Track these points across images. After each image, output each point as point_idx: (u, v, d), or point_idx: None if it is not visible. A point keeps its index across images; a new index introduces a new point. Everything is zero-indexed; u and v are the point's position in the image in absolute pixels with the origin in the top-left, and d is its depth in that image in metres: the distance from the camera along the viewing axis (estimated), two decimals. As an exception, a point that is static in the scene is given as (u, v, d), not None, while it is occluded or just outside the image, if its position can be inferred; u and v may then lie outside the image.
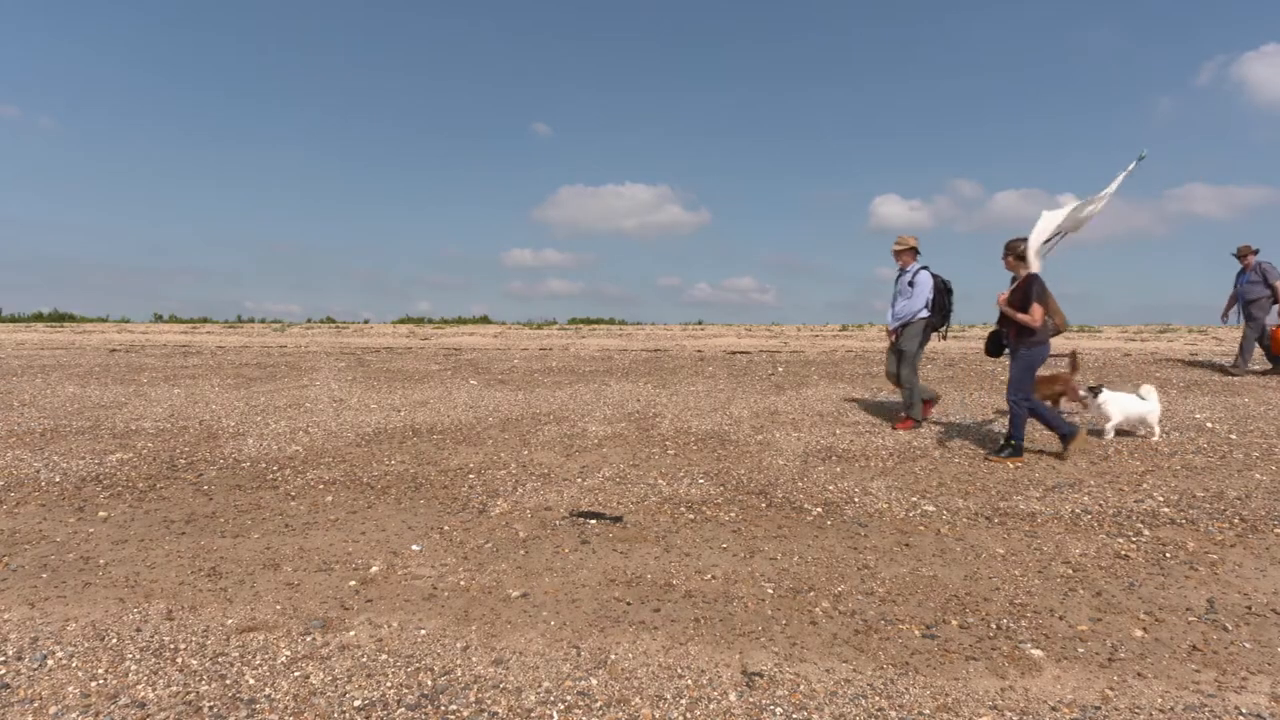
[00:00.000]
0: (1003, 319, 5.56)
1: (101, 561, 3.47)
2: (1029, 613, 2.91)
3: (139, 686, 2.36)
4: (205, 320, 26.30)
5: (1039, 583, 3.20)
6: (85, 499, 4.49)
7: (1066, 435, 5.50)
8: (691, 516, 4.13)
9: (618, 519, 4.07)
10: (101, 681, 2.40)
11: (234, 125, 52.74)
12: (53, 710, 2.23)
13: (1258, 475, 4.92)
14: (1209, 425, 6.59)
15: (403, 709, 2.24)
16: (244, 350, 15.22)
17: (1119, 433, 6.12)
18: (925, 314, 6.45)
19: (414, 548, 3.64)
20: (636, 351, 14.44)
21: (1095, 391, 5.77)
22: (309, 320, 27.77)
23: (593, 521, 4.03)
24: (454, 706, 2.25)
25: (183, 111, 52.03)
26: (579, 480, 4.89)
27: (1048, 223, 5.43)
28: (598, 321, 25.46)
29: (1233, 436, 6.11)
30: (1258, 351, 9.90)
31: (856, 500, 4.42)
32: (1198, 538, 3.76)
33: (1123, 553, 3.55)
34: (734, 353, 13.90)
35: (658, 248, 52.65)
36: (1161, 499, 4.42)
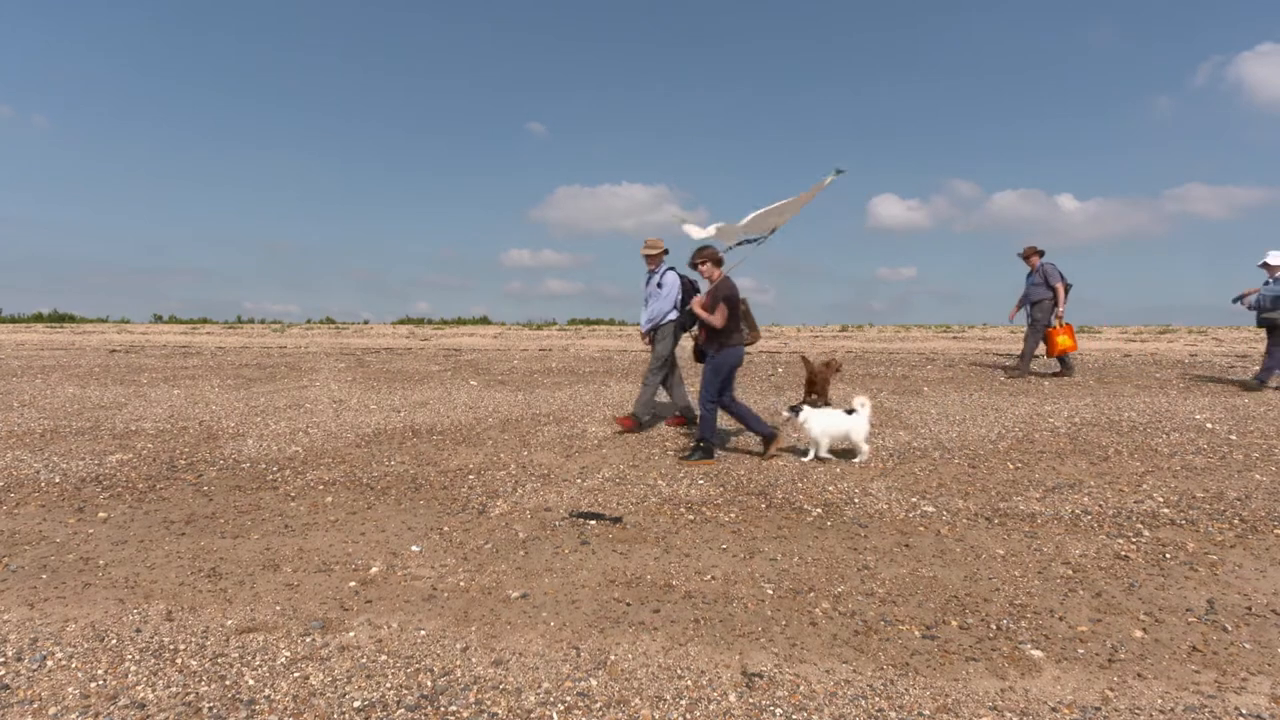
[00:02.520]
0: (700, 324, 5.51)
1: (101, 562, 3.47)
2: (1029, 613, 2.91)
3: (138, 687, 2.36)
4: (205, 321, 26.31)
5: (1039, 583, 3.20)
6: (85, 500, 4.49)
7: (767, 437, 5.49)
8: (691, 517, 4.13)
9: (617, 520, 4.07)
10: (101, 682, 2.40)
11: (233, 125, 52.77)
12: (52, 711, 2.23)
13: (1257, 476, 4.92)
14: (1209, 426, 6.59)
15: (402, 710, 2.24)
16: (244, 351, 15.22)
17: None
18: (674, 315, 6.43)
19: (414, 548, 3.64)
20: (636, 352, 14.43)
21: (796, 410, 5.45)
22: (309, 321, 27.77)
23: (592, 522, 4.03)
24: (454, 707, 2.25)
25: (182, 111, 52.06)
26: (579, 481, 4.89)
27: (732, 228, 5.57)
28: (597, 322, 25.46)
29: (1232, 437, 6.11)
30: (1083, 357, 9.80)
31: (856, 501, 4.42)
32: (1197, 538, 3.76)
33: (1123, 553, 3.55)
34: (734, 353, 13.89)
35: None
36: (1161, 500, 4.42)
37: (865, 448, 5.38)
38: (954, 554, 3.55)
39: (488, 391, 9.14)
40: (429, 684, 2.38)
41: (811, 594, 3.10)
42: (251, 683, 2.39)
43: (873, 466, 5.27)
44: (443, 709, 2.24)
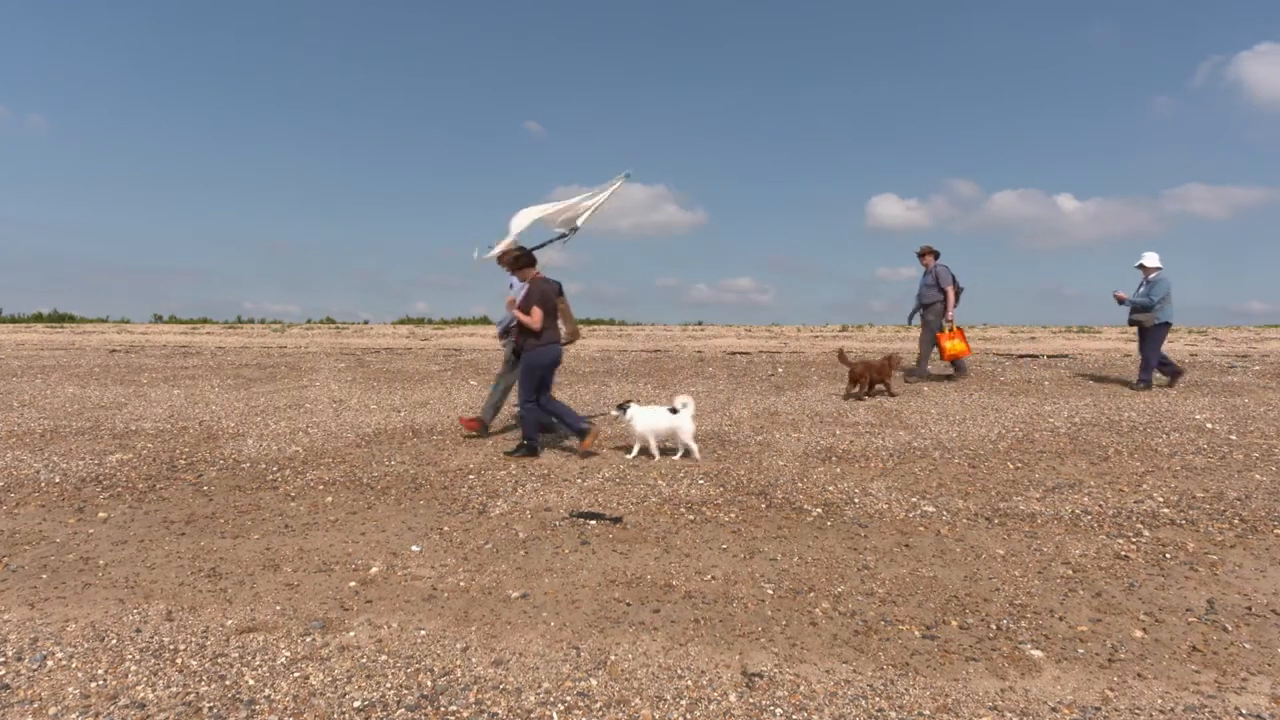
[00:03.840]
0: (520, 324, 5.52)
1: (101, 562, 3.47)
2: (1029, 613, 2.91)
3: (139, 687, 2.36)
4: (205, 321, 26.32)
5: (1039, 583, 3.20)
6: (85, 499, 4.49)
7: (581, 432, 5.50)
8: (691, 517, 4.12)
9: (617, 520, 4.07)
10: (101, 682, 2.40)
11: (233, 125, 52.79)
12: (52, 711, 2.23)
13: (1258, 476, 4.92)
14: (1209, 426, 6.59)
15: (402, 710, 2.24)
16: (244, 351, 15.22)
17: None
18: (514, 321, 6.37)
19: (414, 548, 3.64)
20: (636, 352, 14.44)
21: (623, 409, 5.46)
22: (309, 321, 27.77)
23: (593, 522, 4.03)
24: (454, 707, 2.25)
25: (182, 111, 52.09)
26: (579, 481, 4.89)
27: (524, 219, 5.70)
28: (597, 322, 25.46)
29: (1232, 437, 6.11)
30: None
31: (856, 501, 4.42)
32: (1198, 538, 3.76)
33: (1123, 553, 3.55)
34: (734, 353, 13.90)
35: (655, 248, 52.69)
36: (1161, 500, 4.42)
37: (694, 446, 5.43)
38: (954, 554, 3.55)
39: (488, 391, 9.14)
40: (429, 684, 2.38)
41: (811, 594, 3.10)
42: (251, 683, 2.39)
43: (873, 466, 5.27)
44: (443, 709, 2.24)
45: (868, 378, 8.48)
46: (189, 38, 50.69)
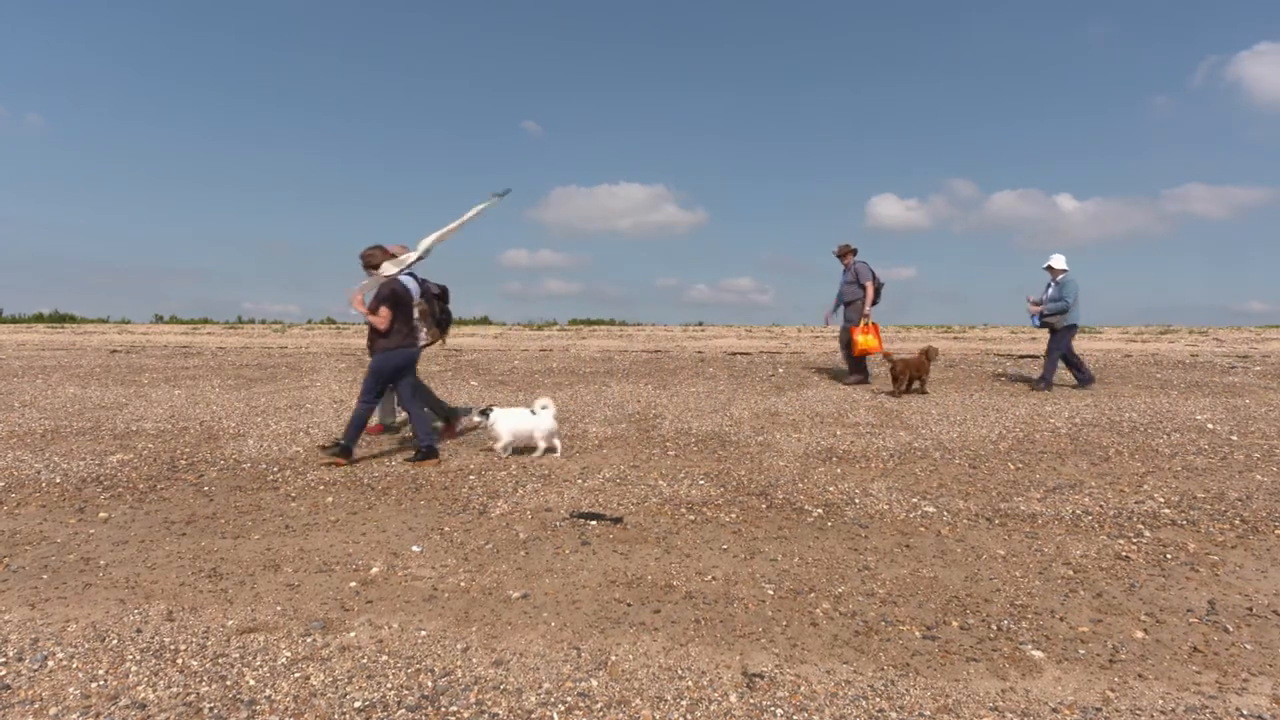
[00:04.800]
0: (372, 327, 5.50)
1: (102, 562, 3.47)
2: (1030, 614, 2.90)
3: (139, 687, 2.36)
4: (206, 321, 26.33)
5: (1040, 584, 3.20)
6: (86, 500, 4.49)
7: (425, 450, 5.41)
8: (692, 518, 4.12)
9: (618, 520, 4.07)
10: (102, 682, 2.40)
11: (233, 125, 52.83)
12: (53, 711, 2.23)
13: (1259, 476, 4.91)
14: (1210, 426, 6.59)
15: (403, 710, 2.24)
16: (244, 351, 15.23)
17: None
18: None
19: (414, 549, 3.64)
20: (637, 352, 14.44)
21: (486, 413, 5.56)
22: (309, 321, 27.77)
23: (593, 523, 4.03)
24: (454, 708, 2.25)
25: (182, 111, 52.13)
26: (579, 481, 4.89)
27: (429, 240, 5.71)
28: (598, 322, 25.46)
29: (1233, 438, 6.11)
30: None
31: (857, 501, 4.42)
32: (1198, 539, 3.76)
33: (1123, 554, 3.55)
34: (734, 354, 13.90)
35: (655, 248, 52.71)
36: (1162, 500, 4.41)
37: (556, 444, 5.58)
38: (955, 554, 3.55)
39: (489, 392, 9.14)
40: (430, 684, 2.38)
41: (812, 594, 3.10)
42: (252, 683, 2.39)
43: (874, 467, 5.27)
44: (443, 709, 2.24)
45: (908, 374, 8.54)
46: (188, 37, 50.74)
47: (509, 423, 5.53)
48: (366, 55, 54.86)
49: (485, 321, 26.38)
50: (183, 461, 5.48)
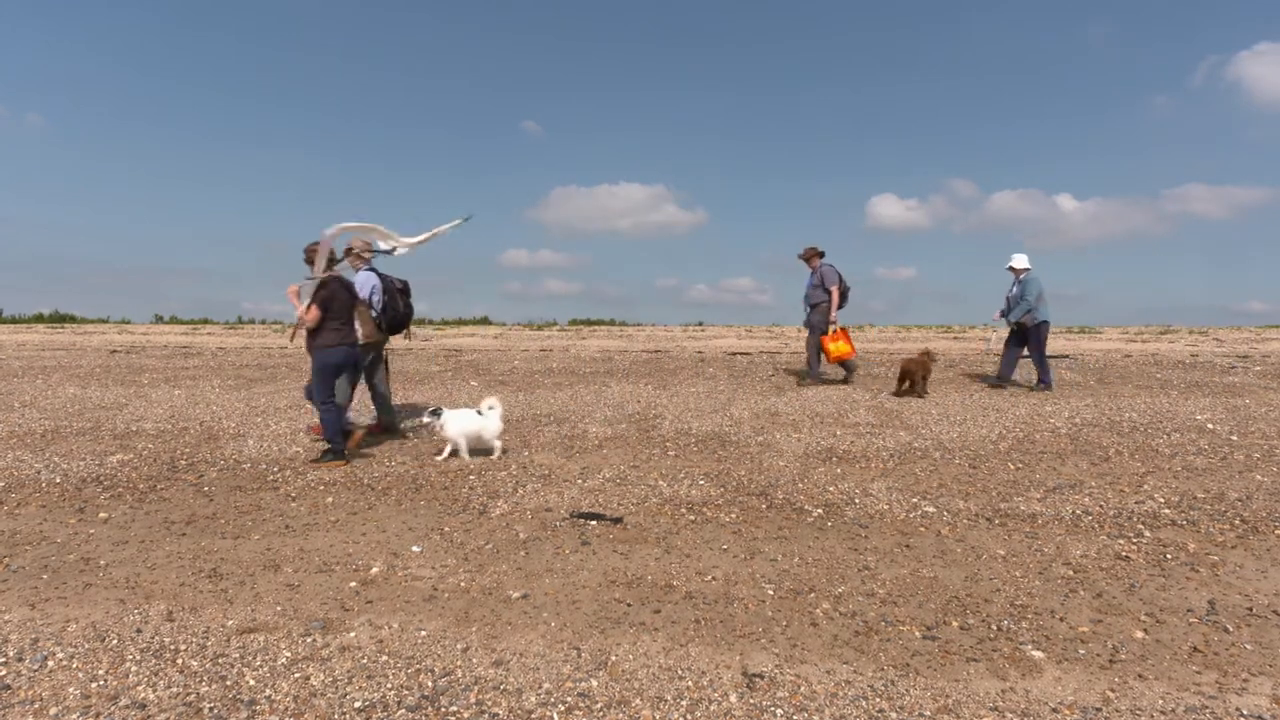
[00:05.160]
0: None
1: (102, 563, 3.47)
2: (1030, 614, 2.90)
3: (139, 688, 2.36)
4: (206, 321, 26.33)
5: (1040, 584, 3.20)
6: (86, 500, 4.49)
7: (332, 451, 5.37)
8: (692, 518, 4.12)
9: (618, 520, 4.07)
10: (102, 682, 2.40)
11: (233, 125, 52.86)
12: (53, 711, 2.23)
13: (1259, 476, 4.91)
14: (1210, 426, 6.59)
15: (403, 710, 2.24)
16: (244, 351, 15.23)
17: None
18: (373, 314, 6.24)
19: (414, 549, 3.64)
20: (637, 353, 14.44)
21: (436, 414, 5.53)
22: (309, 321, 27.67)
23: (593, 523, 4.03)
24: (454, 708, 2.25)
25: (182, 111, 52.17)
26: (579, 481, 4.89)
27: (365, 232, 5.69)
28: (598, 323, 25.47)
29: (1233, 438, 6.11)
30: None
31: (857, 501, 4.42)
32: (1198, 539, 3.76)
33: (1123, 554, 3.55)
34: (734, 354, 13.90)
35: (654, 248, 52.74)
36: (1162, 500, 4.41)
37: (498, 445, 5.59)
38: (955, 554, 3.55)
39: (488, 392, 9.14)
40: (430, 684, 2.38)
41: (812, 594, 3.10)
42: (252, 683, 2.39)
43: (874, 467, 5.27)
44: (443, 709, 2.24)
45: (918, 374, 8.60)
46: (188, 37, 50.78)
47: (458, 423, 5.53)
48: (366, 55, 54.92)
49: (485, 321, 26.39)
50: (183, 462, 5.48)
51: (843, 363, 9.42)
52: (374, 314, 6.22)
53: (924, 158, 52.02)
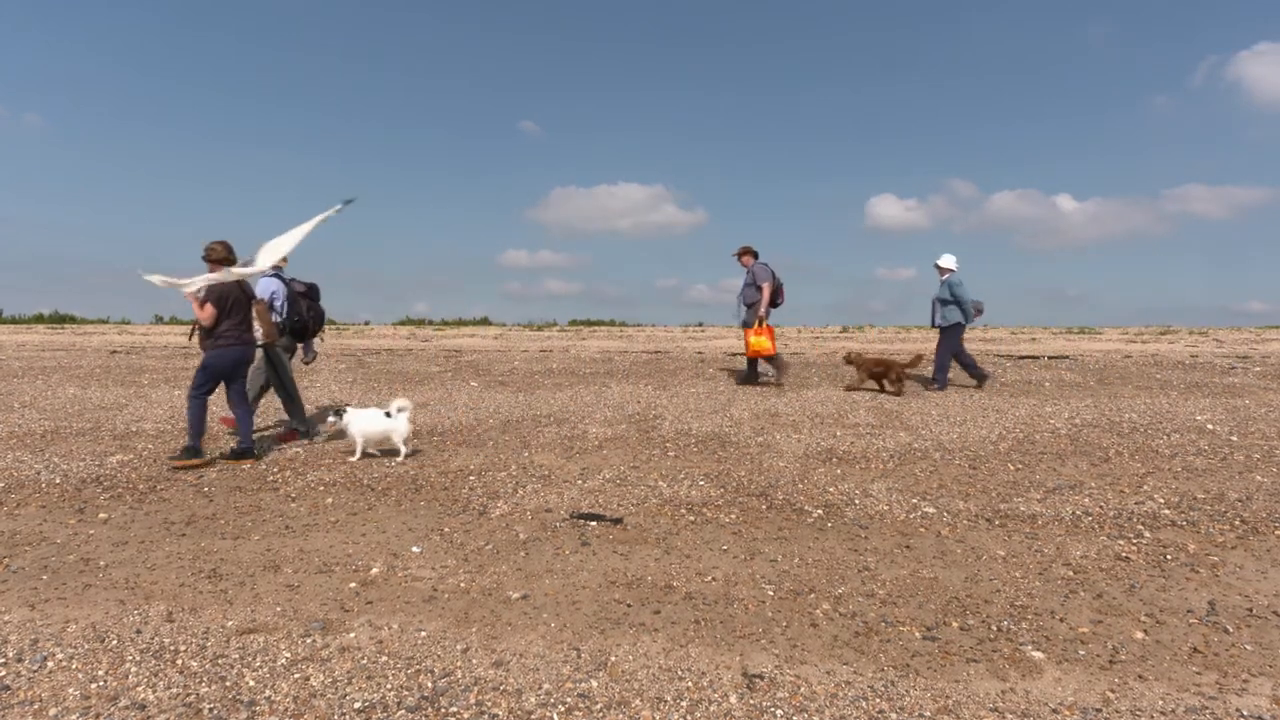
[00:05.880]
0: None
1: (102, 563, 3.47)
2: (1030, 614, 2.90)
3: (139, 688, 2.36)
4: (206, 322, 26.27)
5: (1040, 585, 3.20)
6: (86, 500, 4.49)
7: (188, 449, 5.34)
8: (692, 518, 4.12)
9: (618, 521, 4.07)
10: (101, 683, 2.39)
11: (233, 125, 52.89)
12: (52, 712, 2.23)
13: (1259, 477, 4.91)
14: (1209, 427, 6.59)
15: (403, 711, 2.24)
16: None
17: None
18: (276, 319, 6.23)
19: (414, 549, 3.64)
20: (637, 353, 14.44)
21: (339, 413, 5.55)
22: (309, 322, 27.64)
23: (593, 523, 4.03)
24: (454, 708, 2.25)
25: (180, 111, 52.23)
26: (579, 482, 4.89)
27: (281, 242, 5.59)
28: (598, 323, 25.49)
29: (1233, 438, 6.11)
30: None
31: (857, 502, 4.42)
32: (1198, 540, 3.76)
33: (1123, 555, 3.55)
34: (735, 354, 13.90)
35: (654, 248, 52.82)
36: (1162, 501, 4.41)
37: (404, 448, 5.56)
38: (955, 555, 3.55)
39: (488, 392, 9.14)
40: (429, 685, 2.38)
41: (812, 595, 3.10)
42: (252, 684, 2.39)
43: (874, 468, 5.27)
44: (443, 710, 2.24)
45: (876, 373, 8.83)
46: (188, 38, 50.85)
47: (362, 424, 5.52)
48: (366, 55, 55.00)
49: (485, 322, 26.40)
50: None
51: (770, 360, 9.39)
52: (277, 319, 6.21)
53: (923, 158, 52.12)
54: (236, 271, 5.39)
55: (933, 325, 9.26)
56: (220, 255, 5.47)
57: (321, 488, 4.78)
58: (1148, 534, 3.84)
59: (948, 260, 9.09)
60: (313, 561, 3.48)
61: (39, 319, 27.15)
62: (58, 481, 4.92)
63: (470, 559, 3.51)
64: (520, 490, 4.70)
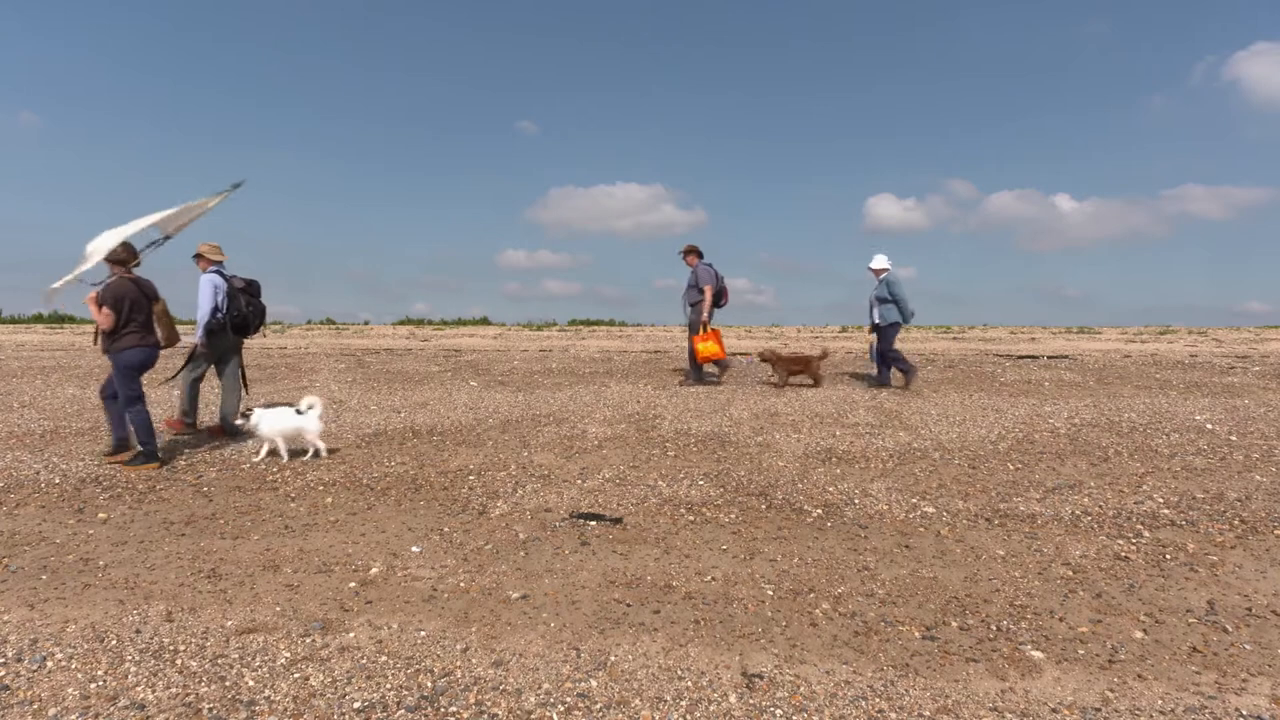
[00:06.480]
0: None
1: (101, 563, 3.46)
2: (1029, 614, 2.91)
3: (138, 688, 2.36)
4: (205, 322, 26.26)
5: (1039, 584, 3.20)
6: (85, 500, 4.49)
7: (144, 454, 5.32)
8: (691, 518, 4.12)
9: (618, 520, 4.07)
10: (101, 683, 2.39)
11: (233, 125, 52.87)
12: (52, 712, 2.23)
13: (1258, 477, 4.92)
14: (1209, 427, 6.60)
15: (402, 710, 2.24)
16: (244, 351, 15.22)
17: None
18: (214, 317, 6.25)
19: (414, 549, 3.64)
20: (636, 353, 14.45)
21: (246, 415, 5.53)
22: (309, 321, 27.76)
23: (593, 523, 4.03)
24: (454, 708, 2.25)
25: (179, 111, 52.20)
26: (579, 482, 4.89)
27: (107, 239, 5.52)
28: (597, 323, 25.49)
29: (1233, 438, 6.12)
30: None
31: (856, 502, 4.42)
32: (1198, 539, 3.76)
33: (1123, 554, 3.55)
34: (734, 354, 13.90)
35: (653, 248, 52.86)
36: (1161, 500, 4.42)
37: (321, 445, 5.57)
38: (954, 555, 3.55)
39: (488, 392, 9.14)
40: (429, 685, 2.38)
41: (812, 595, 3.10)
42: (251, 683, 2.39)
43: (873, 467, 5.27)
44: (443, 710, 2.24)
45: (794, 370, 9.40)
46: (188, 38, 50.82)
47: (270, 423, 5.49)
48: (365, 56, 55.01)
49: (485, 322, 26.41)
50: (182, 462, 5.48)
51: (716, 361, 9.49)
52: (219, 316, 6.25)
53: (922, 158, 52.15)
54: (73, 275, 5.33)
55: (871, 324, 9.37)
56: (120, 257, 5.41)
57: (321, 487, 4.78)
58: (1147, 534, 3.84)
59: (880, 261, 9.22)
60: (312, 561, 3.48)
61: (38, 319, 27.13)
62: (57, 481, 4.92)
63: (470, 559, 3.51)
64: (520, 490, 4.70)
